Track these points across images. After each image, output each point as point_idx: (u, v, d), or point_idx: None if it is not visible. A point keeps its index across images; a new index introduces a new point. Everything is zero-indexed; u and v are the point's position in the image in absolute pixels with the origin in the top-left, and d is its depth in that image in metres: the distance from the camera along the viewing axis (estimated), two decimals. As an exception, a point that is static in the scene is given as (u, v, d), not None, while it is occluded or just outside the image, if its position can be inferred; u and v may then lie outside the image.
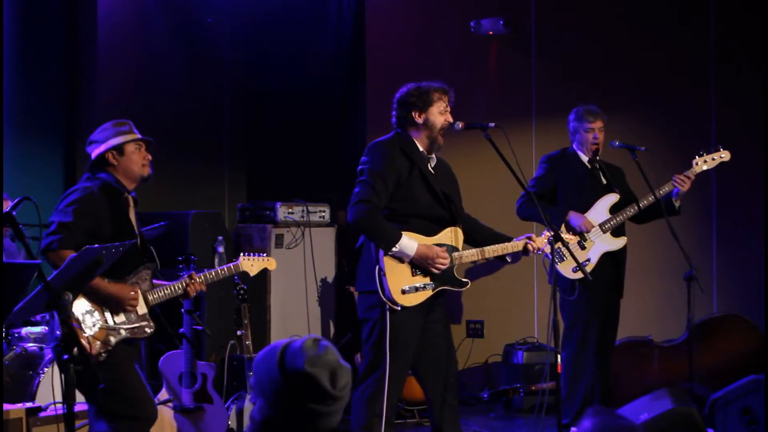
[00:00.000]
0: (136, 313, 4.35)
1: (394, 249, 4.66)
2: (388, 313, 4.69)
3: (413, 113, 4.84)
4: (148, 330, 4.40)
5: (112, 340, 4.26)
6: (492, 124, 4.81)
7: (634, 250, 6.09)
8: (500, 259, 5.02)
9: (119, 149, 4.39)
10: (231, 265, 4.75)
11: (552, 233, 4.79)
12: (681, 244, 5.56)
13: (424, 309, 4.81)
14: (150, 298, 4.40)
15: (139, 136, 4.46)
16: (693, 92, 7.14)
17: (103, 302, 4.28)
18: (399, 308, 4.68)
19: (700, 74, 7.10)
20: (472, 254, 4.88)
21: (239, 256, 4.87)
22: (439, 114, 4.84)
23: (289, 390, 2.37)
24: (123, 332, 4.30)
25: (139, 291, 4.35)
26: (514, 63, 7.73)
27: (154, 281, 4.53)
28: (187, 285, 4.49)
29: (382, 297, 4.67)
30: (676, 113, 7.18)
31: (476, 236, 5.00)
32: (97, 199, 4.29)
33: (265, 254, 4.94)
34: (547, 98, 7.55)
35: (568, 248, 5.00)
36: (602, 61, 7.40)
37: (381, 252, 4.69)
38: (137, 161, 4.41)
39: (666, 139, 7.06)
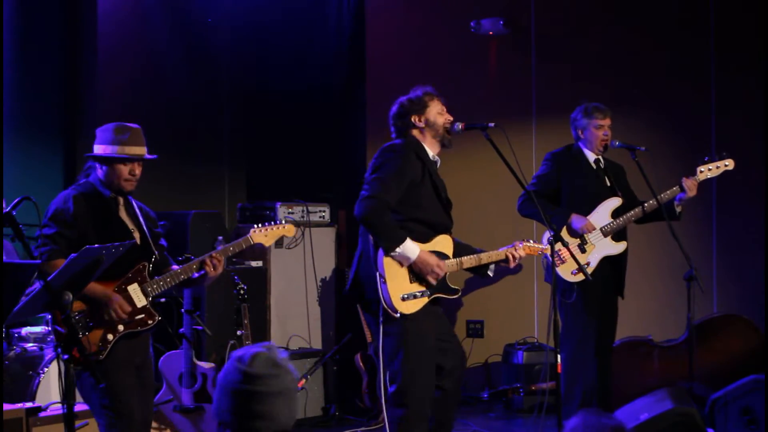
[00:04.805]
0: (135, 306, 4.30)
1: (396, 250, 4.58)
2: (382, 324, 4.62)
3: (412, 118, 4.81)
4: (149, 321, 4.34)
5: (110, 337, 4.23)
6: (492, 124, 4.79)
7: (634, 251, 6.08)
8: (482, 274, 4.91)
9: (107, 160, 4.35)
10: (241, 239, 4.56)
11: (552, 234, 4.78)
12: (681, 244, 5.56)
13: (431, 317, 4.71)
14: (149, 289, 4.34)
15: (137, 151, 4.37)
16: (693, 92, 7.14)
17: (89, 302, 4.22)
18: (398, 315, 4.60)
19: (700, 75, 7.10)
20: (452, 264, 4.77)
21: (249, 230, 4.64)
22: (438, 114, 4.81)
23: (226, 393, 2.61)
24: (121, 328, 4.26)
25: (126, 304, 4.26)
26: (514, 63, 7.73)
27: (174, 267, 4.51)
28: (203, 263, 4.42)
29: (382, 303, 4.60)
30: (676, 113, 7.18)
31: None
32: (74, 209, 4.28)
33: (281, 221, 4.73)
34: (547, 98, 7.55)
35: (568, 249, 4.99)
36: (602, 61, 7.40)
37: (380, 256, 4.60)
38: (120, 175, 4.36)
39: (666, 139, 7.06)
